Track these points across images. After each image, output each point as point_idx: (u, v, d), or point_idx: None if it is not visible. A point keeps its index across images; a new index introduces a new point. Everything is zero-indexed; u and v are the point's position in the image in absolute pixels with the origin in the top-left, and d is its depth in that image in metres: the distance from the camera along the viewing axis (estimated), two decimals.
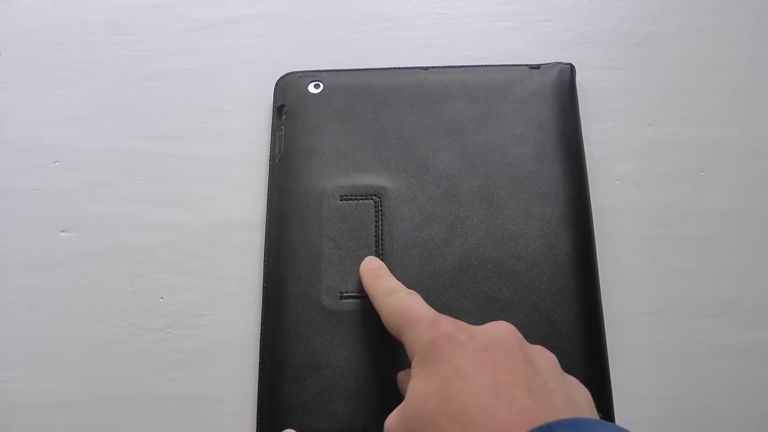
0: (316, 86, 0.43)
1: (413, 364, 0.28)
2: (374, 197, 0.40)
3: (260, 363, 0.37)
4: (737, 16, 0.47)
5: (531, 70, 0.43)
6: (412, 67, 0.44)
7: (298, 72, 0.44)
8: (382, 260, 0.38)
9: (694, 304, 0.39)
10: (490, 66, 0.44)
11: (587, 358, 0.36)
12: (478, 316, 0.37)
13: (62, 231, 0.42)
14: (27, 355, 0.39)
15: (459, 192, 0.40)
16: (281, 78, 0.44)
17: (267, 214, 0.40)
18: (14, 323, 0.40)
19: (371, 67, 0.44)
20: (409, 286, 0.38)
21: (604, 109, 0.44)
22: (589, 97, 0.44)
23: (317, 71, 0.44)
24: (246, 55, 0.47)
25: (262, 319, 0.38)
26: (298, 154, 0.41)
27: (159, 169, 0.43)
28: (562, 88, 0.42)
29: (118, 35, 0.47)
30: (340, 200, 0.40)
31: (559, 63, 0.43)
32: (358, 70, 0.44)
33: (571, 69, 0.43)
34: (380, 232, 0.39)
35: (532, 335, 0.36)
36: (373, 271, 0.36)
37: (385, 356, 0.36)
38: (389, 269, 0.37)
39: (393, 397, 0.35)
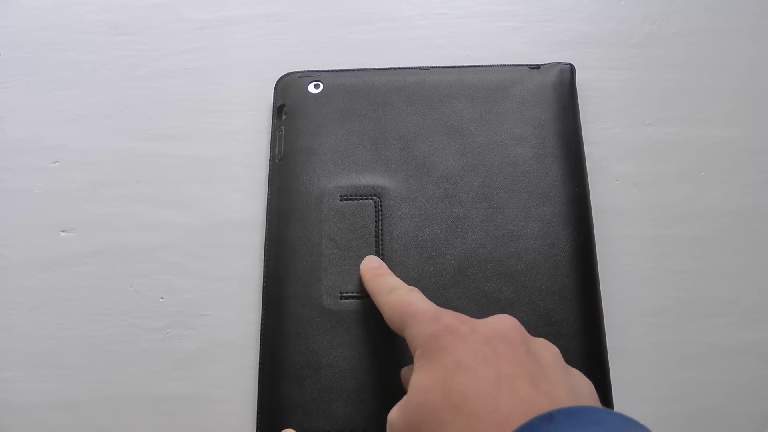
0: (316, 86, 0.43)
1: (416, 358, 0.28)
2: (374, 197, 0.40)
3: (260, 363, 0.37)
4: (737, 16, 0.47)
5: (531, 70, 0.43)
6: (412, 67, 0.44)
7: (298, 72, 0.44)
8: (382, 260, 0.38)
9: (694, 304, 0.39)
10: (490, 66, 0.44)
11: (587, 358, 0.36)
12: (478, 316, 0.36)
13: (62, 231, 0.42)
14: (27, 355, 0.39)
15: (459, 192, 0.40)
16: (281, 78, 0.44)
17: (267, 214, 0.40)
18: (14, 323, 0.40)
19: (371, 67, 0.45)
20: None
21: (604, 109, 0.44)
22: (589, 97, 0.44)
23: (317, 71, 0.44)
24: (246, 55, 0.47)
25: (262, 319, 0.38)
26: (298, 154, 0.41)
27: (159, 169, 0.43)
28: (562, 88, 0.42)
29: (118, 35, 0.47)
30: (340, 200, 0.40)
31: (559, 63, 0.43)
32: (358, 70, 0.44)
33: (571, 69, 0.43)
34: (380, 232, 0.39)
35: (532, 335, 0.36)
36: (374, 269, 0.36)
37: (385, 356, 0.36)
38: (389, 269, 0.37)
39: (393, 396, 0.35)
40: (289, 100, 0.43)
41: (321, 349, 0.36)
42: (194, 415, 0.38)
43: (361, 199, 0.40)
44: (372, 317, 0.37)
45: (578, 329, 0.36)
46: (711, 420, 0.37)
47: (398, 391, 0.35)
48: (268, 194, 0.41)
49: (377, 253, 0.38)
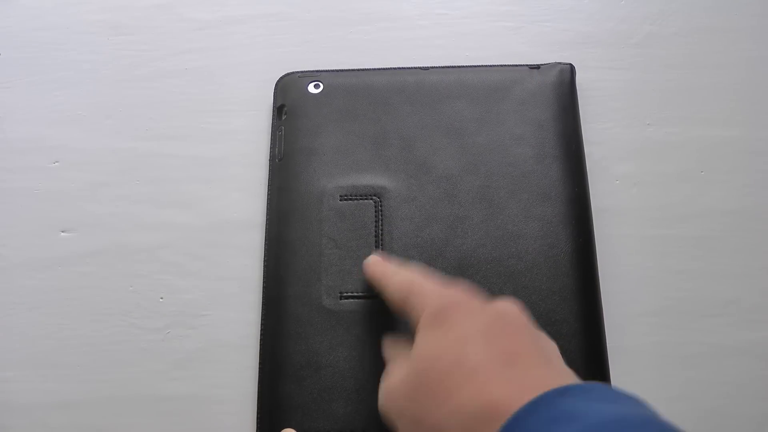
0: (316, 86, 0.43)
1: (420, 327, 0.28)
2: (374, 197, 0.40)
3: (260, 363, 0.37)
4: (737, 16, 0.47)
5: (531, 71, 0.43)
6: (412, 67, 0.44)
7: (298, 72, 0.44)
8: None
9: (694, 304, 0.39)
10: (490, 66, 0.44)
11: (587, 358, 0.36)
12: None
13: (62, 231, 0.42)
14: (27, 355, 0.39)
15: (459, 192, 0.40)
16: (281, 78, 0.44)
17: (267, 214, 0.40)
18: (14, 323, 0.40)
19: (371, 67, 0.44)
20: None
21: (604, 109, 0.44)
22: (589, 97, 0.44)
23: (317, 71, 0.44)
24: (246, 55, 0.47)
25: (262, 319, 0.38)
26: (298, 154, 0.41)
27: (159, 169, 0.43)
28: (562, 88, 0.42)
29: (118, 35, 0.47)
30: (340, 200, 0.40)
31: (559, 63, 0.43)
32: (358, 70, 0.44)
33: (571, 69, 0.43)
34: (380, 232, 0.39)
35: None
36: (378, 260, 0.35)
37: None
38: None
39: None
40: (289, 100, 0.43)
41: (321, 349, 0.36)
42: (194, 415, 0.38)
43: (361, 199, 0.40)
44: (372, 317, 0.37)
45: (578, 329, 0.36)
46: (711, 420, 0.37)
47: None
48: (268, 194, 0.41)
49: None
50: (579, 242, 0.38)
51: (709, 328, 0.39)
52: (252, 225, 0.41)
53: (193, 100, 0.45)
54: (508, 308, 0.28)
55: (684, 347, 0.38)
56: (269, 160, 0.42)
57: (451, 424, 0.23)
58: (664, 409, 0.38)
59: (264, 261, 0.39)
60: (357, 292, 0.38)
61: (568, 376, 0.25)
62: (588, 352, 0.36)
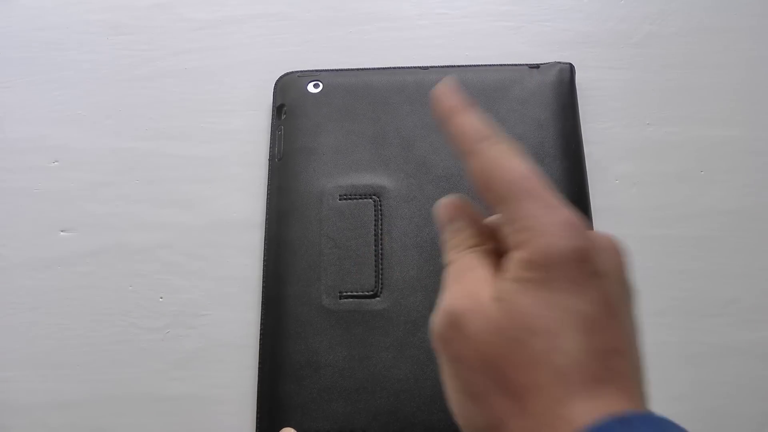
0: (316, 86, 0.43)
1: (524, 264, 0.21)
2: (374, 197, 0.40)
3: (260, 363, 0.37)
4: (737, 16, 0.47)
5: (531, 70, 0.43)
6: (411, 67, 0.44)
7: (297, 72, 0.44)
8: (381, 260, 0.38)
9: (694, 304, 0.39)
10: (490, 66, 0.44)
11: None
12: None
13: (62, 231, 0.42)
14: (27, 355, 0.39)
15: (458, 191, 0.40)
16: (281, 78, 0.44)
17: (267, 214, 0.40)
18: (14, 323, 0.40)
19: (371, 66, 0.44)
20: (408, 286, 0.38)
21: (604, 109, 0.44)
22: (589, 97, 0.44)
23: (317, 71, 0.44)
24: (246, 55, 0.47)
25: (261, 319, 0.38)
26: (298, 153, 0.41)
27: (159, 169, 0.43)
28: (562, 88, 0.42)
29: (118, 35, 0.47)
30: (340, 200, 0.40)
31: (559, 63, 0.43)
32: (357, 69, 0.44)
33: (571, 69, 0.43)
34: (380, 231, 0.39)
35: None
36: (452, 102, 0.24)
37: (385, 355, 0.36)
38: (389, 269, 0.37)
39: (393, 396, 0.35)
40: (289, 99, 0.43)
41: (320, 348, 0.36)
42: (194, 415, 0.38)
43: (360, 199, 0.40)
44: (372, 317, 0.37)
45: None
46: (711, 420, 0.37)
47: (398, 390, 0.35)
48: (267, 194, 0.41)
49: (377, 253, 0.38)
50: None
51: (709, 328, 0.39)
52: (252, 225, 0.41)
53: (193, 100, 0.45)
54: (621, 282, 0.23)
55: (684, 347, 0.38)
56: (269, 159, 0.42)
57: (513, 412, 0.20)
58: (665, 409, 0.38)
59: (264, 261, 0.39)
60: (357, 292, 0.38)
61: (639, 398, 0.22)
62: None
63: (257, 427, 0.36)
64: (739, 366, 0.38)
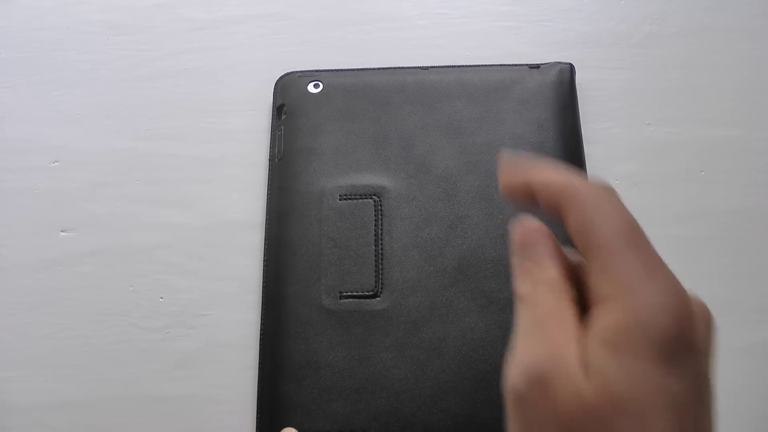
0: (316, 86, 0.43)
1: (617, 328, 0.18)
2: (374, 197, 0.40)
3: (260, 363, 0.37)
4: (737, 16, 0.47)
5: (531, 70, 0.43)
6: (412, 67, 0.44)
7: (297, 72, 0.44)
8: (381, 260, 0.38)
9: None
10: (490, 66, 0.44)
11: None
12: (477, 316, 0.37)
13: (62, 231, 0.42)
14: (27, 355, 0.39)
15: (459, 191, 0.40)
16: (281, 78, 0.44)
17: (267, 214, 0.40)
18: (14, 323, 0.40)
19: (371, 66, 0.44)
20: (409, 286, 0.38)
21: (604, 109, 0.44)
22: (589, 97, 0.44)
23: (317, 71, 0.44)
24: (246, 55, 0.47)
25: (261, 319, 0.38)
26: (298, 153, 0.41)
27: (159, 169, 0.43)
28: (562, 88, 0.42)
29: (118, 35, 0.47)
30: (340, 200, 0.40)
31: (559, 63, 0.43)
32: (357, 70, 0.44)
33: (571, 69, 0.43)
34: (380, 231, 0.39)
35: None
36: (519, 166, 0.23)
37: (385, 356, 0.36)
38: (389, 269, 0.37)
39: (393, 396, 0.35)
40: (289, 99, 0.43)
41: (320, 348, 0.36)
42: (194, 415, 0.38)
43: (360, 199, 0.40)
44: (372, 317, 0.37)
45: None
46: None
47: (398, 390, 0.35)
48: (267, 194, 0.41)
49: (377, 253, 0.38)
50: None
51: None
52: (252, 225, 0.41)
53: (193, 100, 0.45)
54: (710, 355, 0.20)
55: None
56: (269, 159, 0.42)
57: None
58: None
59: (264, 261, 0.39)
60: (357, 292, 0.38)
61: None
62: None
63: (257, 427, 0.36)
64: (739, 366, 0.38)
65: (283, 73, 0.44)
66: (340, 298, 0.37)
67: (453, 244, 0.38)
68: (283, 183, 0.41)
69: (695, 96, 0.45)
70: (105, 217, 0.42)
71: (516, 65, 0.43)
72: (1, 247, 0.42)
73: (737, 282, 0.40)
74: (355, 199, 0.40)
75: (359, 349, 0.36)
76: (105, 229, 0.42)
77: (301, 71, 0.44)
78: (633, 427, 0.17)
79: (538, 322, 0.20)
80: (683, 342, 0.18)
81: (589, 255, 0.20)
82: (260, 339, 0.38)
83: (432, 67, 0.44)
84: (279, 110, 0.43)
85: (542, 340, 0.19)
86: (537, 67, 0.43)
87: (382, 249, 0.38)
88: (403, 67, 0.44)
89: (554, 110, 0.42)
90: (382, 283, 0.38)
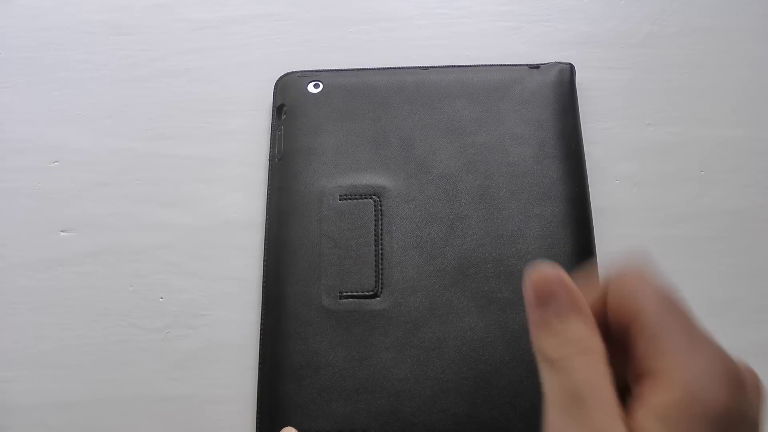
0: (316, 86, 0.43)
1: (669, 407, 0.17)
2: (374, 197, 0.40)
3: (260, 363, 0.37)
4: (738, 16, 0.47)
5: (531, 70, 0.43)
6: (412, 67, 0.44)
7: (297, 72, 0.44)
8: (381, 260, 0.38)
9: (694, 304, 0.39)
10: (490, 66, 0.44)
11: None
12: (477, 316, 0.37)
13: (62, 231, 0.42)
14: (27, 355, 0.39)
15: (459, 192, 0.40)
16: (281, 78, 0.44)
17: (267, 214, 0.40)
18: (14, 323, 0.40)
19: (371, 67, 0.44)
20: (409, 286, 0.38)
21: (604, 109, 0.44)
22: (589, 97, 0.44)
23: (317, 71, 0.44)
24: (246, 55, 0.47)
25: (261, 319, 0.38)
26: (298, 153, 0.41)
27: (159, 169, 0.43)
28: (562, 88, 0.42)
29: (118, 35, 0.47)
30: (340, 200, 0.40)
31: (559, 63, 0.43)
32: (358, 70, 0.44)
33: (571, 69, 0.43)
34: (380, 231, 0.39)
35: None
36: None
37: (385, 356, 0.36)
38: (389, 269, 0.37)
39: (393, 396, 0.35)
40: (289, 99, 0.43)
41: (320, 349, 0.36)
42: (194, 415, 0.38)
43: (360, 199, 0.40)
44: (372, 317, 0.37)
45: None
46: None
47: (398, 390, 0.35)
48: (267, 194, 0.41)
49: (377, 253, 0.38)
50: (579, 242, 0.38)
51: (709, 328, 0.39)
52: (252, 225, 0.41)
53: (193, 100, 0.45)
54: (758, 426, 0.19)
55: None
56: (269, 159, 0.42)
57: None
58: None
59: (264, 261, 0.39)
60: (357, 292, 0.38)
61: None
62: None
63: (257, 427, 0.36)
64: None
65: (283, 73, 0.44)
66: (340, 298, 0.37)
67: (453, 244, 0.38)
68: (283, 183, 0.41)
69: (695, 96, 0.45)
70: (105, 217, 0.42)
71: (516, 65, 0.43)
72: (1, 247, 0.42)
73: (737, 282, 0.40)
74: (355, 199, 0.40)
75: (359, 349, 0.36)
76: (105, 229, 0.42)
77: (301, 71, 0.44)
78: None
79: (573, 394, 0.18)
80: (737, 414, 0.17)
81: (634, 327, 0.19)
82: (260, 339, 0.38)
83: (432, 67, 0.44)
84: (279, 110, 0.43)
85: (583, 420, 0.17)
86: (537, 67, 0.43)
87: (382, 249, 0.38)
88: (403, 67, 0.44)
89: (554, 110, 0.42)
90: (382, 283, 0.38)
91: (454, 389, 0.35)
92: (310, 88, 0.43)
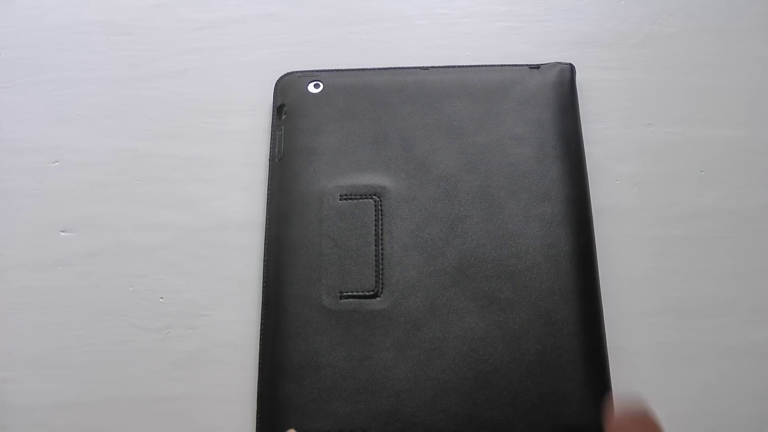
0: (316, 86, 0.43)
1: None
2: (374, 197, 0.40)
3: (260, 363, 0.37)
4: (738, 16, 0.47)
5: (531, 70, 0.43)
6: (412, 67, 0.44)
7: (298, 72, 0.44)
8: (382, 260, 0.38)
9: (694, 304, 0.39)
10: (490, 66, 0.44)
11: (587, 358, 0.36)
12: (478, 316, 0.37)
13: (62, 231, 0.42)
14: (27, 355, 0.39)
15: (459, 192, 0.40)
16: (281, 78, 0.44)
17: (267, 214, 0.40)
18: (14, 323, 0.40)
19: (371, 67, 0.44)
20: (409, 286, 0.38)
21: (604, 109, 0.44)
22: (589, 97, 0.44)
23: (317, 71, 0.44)
24: (246, 55, 0.47)
25: (261, 319, 0.38)
26: (298, 154, 0.41)
27: (159, 169, 0.43)
28: (562, 88, 0.42)
29: (118, 35, 0.47)
30: (340, 200, 0.40)
31: (559, 63, 0.43)
32: (358, 70, 0.44)
33: (571, 69, 0.43)
34: (380, 231, 0.39)
35: (532, 335, 0.36)
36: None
37: (385, 355, 0.36)
38: (389, 269, 0.37)
39: (393, 396, 0.35)
40: (289, 99, 0.43)
41: (321, 348, 0.36)
42: (194, 416, 0.38)
43: (360, 199, 0.40)
44: (372, 317, 0.37)
45: (578, 329, 0.36)
46: (711, 420, 0.37)
47: (398, 390, 0.35)
48: (267, 194, 0.41)
49: (377, 253, 0.38)
50: (579, 242, 0.38)
51: (709, 328, 0.39)
52: (252, 225, 0.41)
53: (193, 100, 0.45)
54: None
55: (684, 347, 0.38)
56: (269, 159, 0.42)
57: None
58: (665, 409, 0.38)
59: (264, 261, 0.39)
60: (357, 292, 0.38)
61: None
62: (588, 352, 0.36)
63: (257, 428, 0.36)
64: (739, 366, 0.38)
65: (283, 73, 0.44)
66: (341, 298, 0.37)
67: (453, 244, 0.38)
68: (283, 183, 0.41)
69: (695, 96, 0.45)
70: (105, 217, 0.42)
71: (516, 65, 0.43)
72: (1, 247, 0.42)
73: (737, 282, 0.40)
74: (356, 199, 0.40)
75: (359, 349, 0.36)
76: (105, 229, 0.42)
77: (301, 71, 0.44)
78: None
79: None
80: None
81: None
82: (260, 339, 0.38)
83: (432, 67, 0.44)
84: (279, 110, 0.43)
85: None
86: (537, 67, 0.43)
87: (382, 249, 0.38)
88: (404, 67, 0.44)
89: (554, 110, 0.42)
90: (382, 283, 0.38)
91: (454, 389, 0.35)
92: (311, 88, 0.43)
